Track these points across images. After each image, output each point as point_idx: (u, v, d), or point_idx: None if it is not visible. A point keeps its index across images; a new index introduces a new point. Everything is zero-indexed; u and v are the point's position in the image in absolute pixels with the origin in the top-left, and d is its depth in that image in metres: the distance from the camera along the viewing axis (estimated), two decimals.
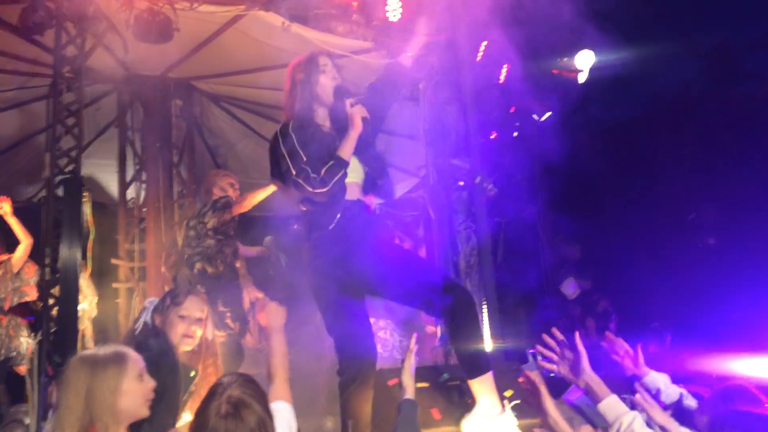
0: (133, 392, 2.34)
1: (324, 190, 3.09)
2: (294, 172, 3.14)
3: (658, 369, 3.63)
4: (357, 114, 3.24)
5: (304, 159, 3.14)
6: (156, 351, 3.02)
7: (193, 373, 3.40)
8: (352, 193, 3.28)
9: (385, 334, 6.30)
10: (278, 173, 3.30)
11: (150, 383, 2.45)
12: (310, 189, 3.10)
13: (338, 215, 3.18)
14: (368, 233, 3.25)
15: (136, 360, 2.42)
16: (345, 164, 3.16)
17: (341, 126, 3.29)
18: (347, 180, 3.22)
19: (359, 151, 3.30)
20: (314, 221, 3.24)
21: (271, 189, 5.12)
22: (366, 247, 3.20)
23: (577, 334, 2.68)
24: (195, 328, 3.34)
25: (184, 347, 3.32)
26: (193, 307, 3.37)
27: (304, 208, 3.29)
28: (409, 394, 2.81)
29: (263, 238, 6.58)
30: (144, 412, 2.40)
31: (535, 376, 2.83)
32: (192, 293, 3.48)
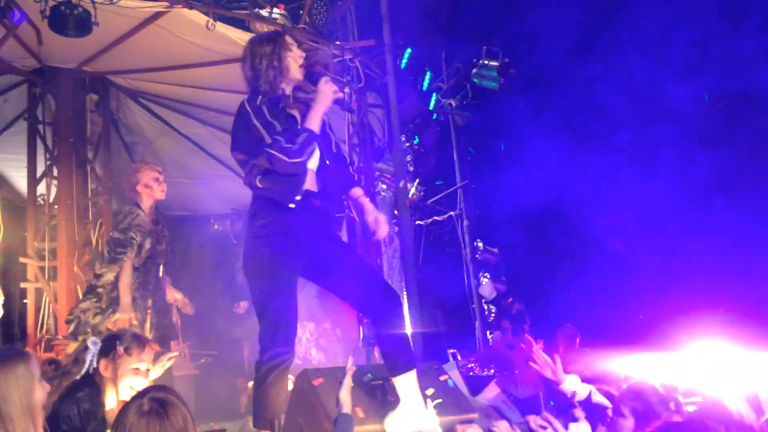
0: (39, 392, 2.23)
1: (300, 159, 3.05)
2: (270, 142, 3.06)
3: (567, 368, 3.84)
4: (328, 89, 3.20)
5: (278, 129, 3.09)
6: (89, 405, 2.91)
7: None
8: (309, 181, 3.21)
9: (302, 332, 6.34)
10: (244, 146, 3.19)
11: (47, 387, 2.34)
12: (287, 159, 3.02)
13: (298, 196, 3.12)
14: (320, 226, 3.25)
15: (36, 360, 2.29)
16: (315, 136, 3.12)
17: (307, 103, 3.25)
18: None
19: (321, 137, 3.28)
20: (268, 200, 3.17)
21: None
22: (316, 238, 3.21)
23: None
24: (143, 381, 3.19)
25: (124, 398, 3.13)
26: (147, 358, 3.24)
27: (262, 185, 3.16)
28: (346, 409, 2.89)
29: (184, 238, 6.48)
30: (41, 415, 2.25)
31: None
32: (144, 343, 3.31)
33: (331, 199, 3.30)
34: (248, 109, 3.18)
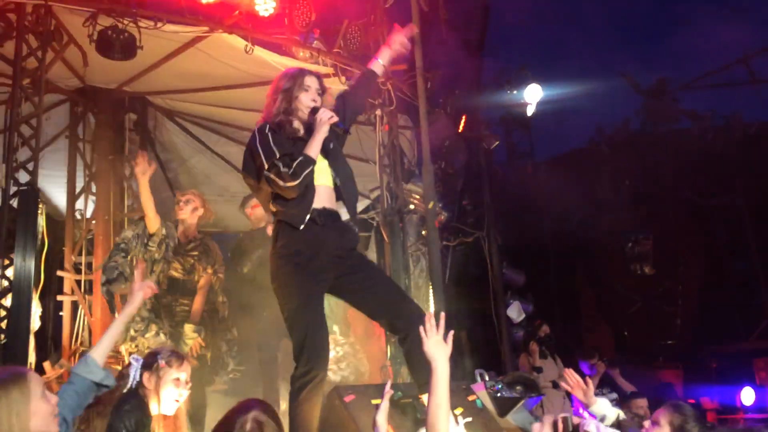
0: (41, 412, 2.14)
1: (295, 183, 3.21)
2: (266, 167, 3.26)
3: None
4: (324, 118, 3.36)
5: (277, 155, 3.27)
6: (137, 417, 3.04)
7: None
8: (324, 199, 3.38)
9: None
10: (252, 170, 3.41)
11: (53, 398, 2.24)
12: (282, 183, 3.22)
13: (308, 216, 3.28)
14: (339, 243, 3.37)
15: (37, 378, 2.21)
16: (312, 161, 3.28)
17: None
18: (318, 183, 3.36)
19: (330, 158, 3.44)
20: (284, 222, 3.35)
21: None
22: (337, 255, 3.34)
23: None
24: (184, 391, 3.33)
25: (167, 411, 3.28)
26: (186, 369, 3.37)
27: (274, 209, 3.38)
28: None
29: None
30: (54, 429, 2.22)
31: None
32: (182, 356, 3.45)
33: (351, 207, 3.50)
34: (256, 134, 3.40)
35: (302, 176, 3.22)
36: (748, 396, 9.22)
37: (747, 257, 13.42)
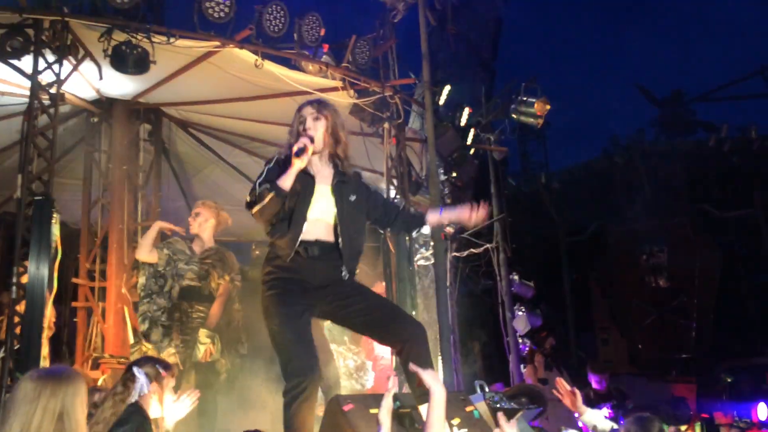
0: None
1: (254, 209, 3.24)
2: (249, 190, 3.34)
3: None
4: (293, 150, 3.34)
5: (259, 181, 3.32)
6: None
7: None
8: (319, 232, 3.40)
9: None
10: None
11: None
12: (247, 207, 3.28)
13: (294, 249, 3.32)
14: (329, 274, 3.42)
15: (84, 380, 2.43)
16: (278, 190, 3.25)
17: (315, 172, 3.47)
18: (312, 216, 3.39)
19: (339, 195, 3.45)
20: (273, 250, 3.43)
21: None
22: (324, 284, 3.39)
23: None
24: (174, 396, 3.48)
25: (165, 415, 3.42)
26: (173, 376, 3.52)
27: (267, 234, 3.43)
28: (385, 429, 3.00)
29: None
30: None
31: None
32: (171, 365, 3.60)
33: (346, 248, 3.42)
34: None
35: (261, 204, 3.22)
36: (763, 411, 9.14)
37: (764, 270, 13.32)
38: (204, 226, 5.53)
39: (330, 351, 5.89)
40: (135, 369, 3.32)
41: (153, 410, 3.32)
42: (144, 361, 3.49)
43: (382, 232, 6.13)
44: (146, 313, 5.32)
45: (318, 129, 3.44)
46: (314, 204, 3.40)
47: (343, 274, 3.43)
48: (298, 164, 3.30)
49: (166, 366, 3.49)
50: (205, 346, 5.26)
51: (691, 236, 14.23)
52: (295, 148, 3.31)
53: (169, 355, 5.09)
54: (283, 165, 3.36)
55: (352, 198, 3.48)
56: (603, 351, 15.14)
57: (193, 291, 5.39)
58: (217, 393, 5.41)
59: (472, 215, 3.61)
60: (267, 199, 3.23)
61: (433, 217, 3.76)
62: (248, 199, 3.30)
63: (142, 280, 5.47)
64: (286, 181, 3.29)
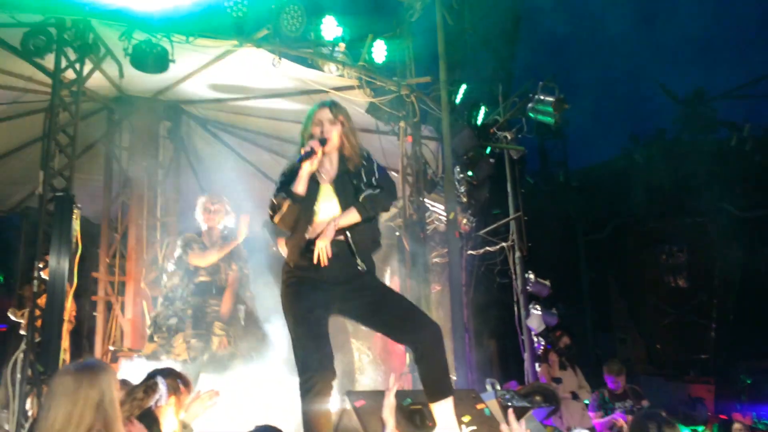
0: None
1: (275, 220, 3.32)
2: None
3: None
4: (303, 151, 3.39)
5: (276, 188, 3.39)
6: None
7: None
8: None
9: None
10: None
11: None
12: (270, 219, 3.35)
13: (302, 253, 3.37)
14: (344, 270, 3.46)
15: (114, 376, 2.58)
16: (293, 196, 3.31)
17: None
18: (321, 218, 3.40)
19: (343, 195, 3.50)
20: (290, 250, 3.48)
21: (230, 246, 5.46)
22: (341, 282, 3.44)
23: None
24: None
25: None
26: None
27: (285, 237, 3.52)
28: (389, 429, 3.05)
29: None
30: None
31: None
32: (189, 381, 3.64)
33: (357, 242, 3.46)
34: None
35: (280, 213, 3.30)
36: None
37: None
38: (221, 221, 5.62)
39: (347, 331, 5.91)
40: (159, 378, 3.38)
41: (168, 423, 3.37)
42: (168, 372, 3.54)
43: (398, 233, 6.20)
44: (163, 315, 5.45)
45: (333, 132, 3.48)
46: (320, 205, 3.45)
47: (360, 268, 3.47)
48: (307, 167, 3.36)
49: (186, 383, 3.53)
50: (219, 337, 5.34)
51: (712, 236, 14.12)
52: (302, 151, 3.36)
53: (182, 350, 5.17)
54: (297, 172, 3.42)
55: (354, 188, 3.51)
56: (621, 350, 15.09)
57: (206, 286, 5.47)
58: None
59: None
60: (285, 207, 3.30)
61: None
62: (270, 212, 3.37)
63: (175, 280, 5.56)
64: (299, 186, 3.35)
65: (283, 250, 3.56)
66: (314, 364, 3.24)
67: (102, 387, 2.40)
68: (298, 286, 3.40)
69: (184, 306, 5.39)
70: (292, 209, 3.32)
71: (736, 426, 6.42)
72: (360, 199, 3.42)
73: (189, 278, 5.42)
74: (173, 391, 3.41)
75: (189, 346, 5.27)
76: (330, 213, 3.46)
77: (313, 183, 3.45)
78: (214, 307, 5.46)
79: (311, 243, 3.38)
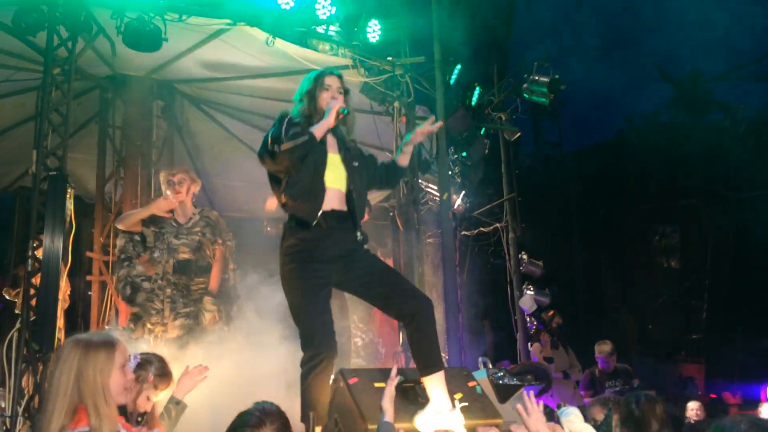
0: (116, 381, 2.47)
1: (287, 146, 3.28)
2: (266, 137, 3.38)
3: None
4: (332, 105, 3.47)
5: (283, 127, 3.36)
6: None
7: None
8: (334, 201, 3.49)
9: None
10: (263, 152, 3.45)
11: (130, 375, 2.58)
12: (276, 147, 3.29)
13: (318, 216, 3.39)
14: (346, 243, 3.50)
15: (123, 350, 2.54)
16: (311, 137, 3.35)
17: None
18: (330, 185, 3.46)
19: (349, 169, 3.54)
20: (293, 221, 3.48)
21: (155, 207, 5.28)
22: (342, 254, 3.48)
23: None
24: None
25: None
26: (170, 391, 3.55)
27: (285, 201, 3.47)
28: (388, 417, 3.09)
29: (236, 239, 6.73)
30: (121, 400, 2.53)
31: None
32: (169, 379, 3.53)
33: (358, 215, 3.55)
34: (277, 119, 3.50)
35: (295, 143, 3.28)
36: None
37: None
38: (190, 193, 5.43)
39: (346, 308, 5.93)
40: (135, 354, 3.32)
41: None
42: (152, 357, 3.48)
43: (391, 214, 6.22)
44: (127, 278, 5.29)
45: (341, 100, 3.55)
46: (328, 173, 3.49)
47: (359, 238, 3.54)
48: (330, 122, 3.42)
49: (162, 375, 3.42)
50: (211, 313, 5.31)
51: (704, 217, 14.20)
52: (338, 107, 3.41)
53: (174, 327, 5.16)
54: (300, 124, 3.43)
55: (356, 164, 3.60)
56: (613, 330, 15.20)
57: (189, 264, 5.36)
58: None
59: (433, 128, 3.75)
60: (300, 141, 3.31)
61: (403, 158, 3.78)
62: (275, 142, 3.30)
63: (120, 242, 5.44)
64: (319, 132, 3.40)
65: (272, 207, 3.55)
66: (323, 343, 3.29)
67: (79, 359, 2.39)
68: (305, 260, 3.41)
69: (167, 285, 5.32)
70: (304, 146, 3.33)
71: (690, 405, 6.42)
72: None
73: (170, 255, 5.33)
74: (139, 372, 3.31)
75: (178, 324, 5.23)
76: (335, 182, 3.50)
77: (321, 148, 3.48)
78: (201, 285, 5.41)
79: (323, 214, 3.38)
